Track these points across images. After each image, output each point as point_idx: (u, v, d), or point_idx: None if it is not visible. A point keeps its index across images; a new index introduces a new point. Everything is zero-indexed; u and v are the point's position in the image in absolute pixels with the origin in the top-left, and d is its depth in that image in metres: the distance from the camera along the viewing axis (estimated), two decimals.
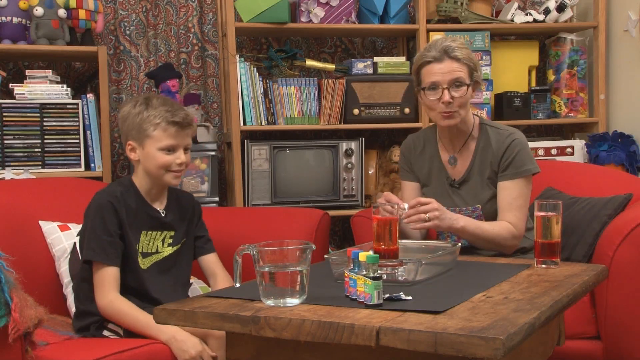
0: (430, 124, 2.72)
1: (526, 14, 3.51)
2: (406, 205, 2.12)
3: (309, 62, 3.43)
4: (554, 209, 1.95)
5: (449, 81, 2.24)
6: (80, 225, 2.46)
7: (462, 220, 2.19)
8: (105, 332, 2.11)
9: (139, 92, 3.47)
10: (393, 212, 1.85)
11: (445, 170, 2.41)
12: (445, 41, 2.29)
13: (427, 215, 2.11)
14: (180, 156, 2.15)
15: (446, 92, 2.24)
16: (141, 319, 2.01)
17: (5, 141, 2.96)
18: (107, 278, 2.06)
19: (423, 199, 2.15)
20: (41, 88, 3.01)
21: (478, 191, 2.35)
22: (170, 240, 2.22)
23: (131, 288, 2.11)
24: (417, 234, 2.35)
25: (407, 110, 3.34)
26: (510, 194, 2.28)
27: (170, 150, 2.13)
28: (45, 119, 3.00)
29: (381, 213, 1.82)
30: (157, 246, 2.19)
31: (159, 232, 2.19)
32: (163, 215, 2.21)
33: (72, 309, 2.33)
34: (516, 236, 2.26)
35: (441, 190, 2.39)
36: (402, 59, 3.45)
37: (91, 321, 2.12)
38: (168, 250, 2.21)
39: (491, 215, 2.33)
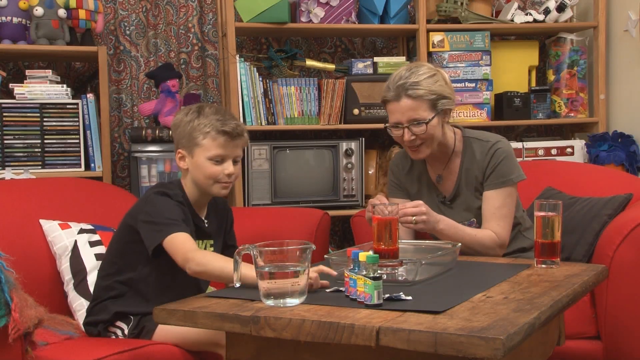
0: None
1: (526, 14, 3.51)
2: None
3: (309, 62, 3.43)
4: (554, 209, 1.95)
5: (407, 120, 2.21)
6: (81, 225, 2.47)
7: (442, 223, 2.17)
8: (112, 329, 2.11)
9: (139, 92, 3.47)
10: (386, 212, 1.83)
11: (435, 188, 2.39)
12: (403, 76, 2.21)
13: (414, 218, 2.11)
14: (229, 167, 2.10)
15: (406, 130, 2.22)
16: (228, 267, 1.84)
17: (5, 141, 2.96)
18: (180, 242, 1.93)
19: (408, 203, 2.15)
20: (41, 88, 3.01)
21: (470, 204, 2.33)
22: (212, 249, 2.22)
23: (189, 289, 2.07)
24: (403, 235, 2.34)
25: None
26: (494, 203, 2.26)
27: (219, 160, 2.09)
28: (45, 119, 3.00)
29: (376, 214, 1.82)
30: None
31: (201, 241, 2.18)
32: (206, 225, 2.20)
33: (74, 305, 2.33)
34: (499, 245, 2.24)
35: (433, 207, 2.35)
36: (402, 59, 3.45)
37: (101, 319, 2.12)
38: None
39: None
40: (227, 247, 2.29)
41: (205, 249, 2.19)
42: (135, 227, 2.06)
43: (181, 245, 1.93)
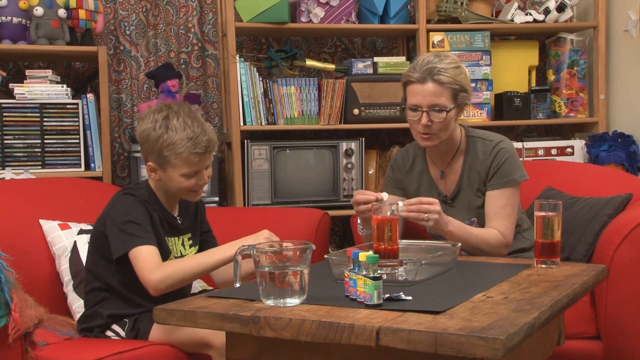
0: None
1: (526, 14, 3.51)
2: (385, 195, 2.12)
3: (309, 62, 3.43)
4: (554, 209, 1.94)
5: (428, 105, 2.20)
6: (81, 225, 2.47)
7: (451, 225, 2.16)
8: (108, 333, 2.11)
9: (139, 92, 3.47)
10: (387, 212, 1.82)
11: (435, 186, 2.38)
12: (431, 61, 2.21)
13: (426, 215, 2.09)
14: (203, 178, 2.09)
15: (425, 115, 2.20)
16: (195, 262, 1.96)
17: (5, 141, 2.96)
18: (145, 256, 1.95)
19: (426, 199, 2.12)
20: (41, 88, 3.01)
21: (471, 203, 2.33)
22: (190, 242, 2.23)
23: (168, 295, 2.04)
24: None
25: None
26: (497, 203, 2.26)
27: (192, 175, 2.07)
28: (45, 119, 3.00)
29: (376, 214, 1.81)
30: (180, 251, 2.19)
31: (177, 238, 2.19)
32: (179, 222, 2.21)
33: (73, 306, 2.33)
34: (504, 244, 2.23)
35: None
36: (402, 59, 3.45)
37: (97, 324, 2.12)
38: (192, 252, 2.23)
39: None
40: (203, 233, 2.31)
41: (182, 244, 2.20)
42: (104, 232, 2.07)
43: (142, 263, 1.95)
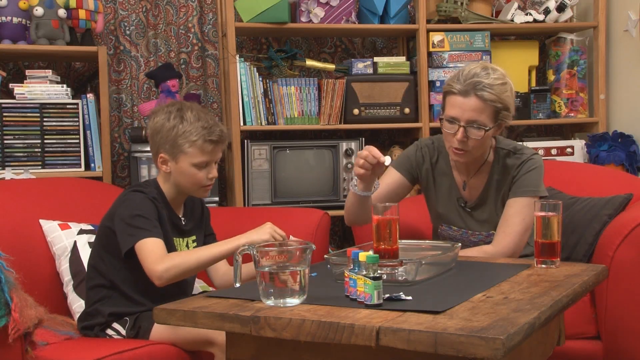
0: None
1: (526, 14, 3.51)
2: (388, 159, 2.07)
3: (309, 62, 3.43)
4: (554, 209, 1.94)
5: (467, 120, 2.11)
6: (81, 225, 2.47)
7: None
8: (109, 331, 2.12)
9: (139, 92, 3.47)
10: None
11: (457, 189, 2.33)
12: (478, 74, 2.11)
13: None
14: (213, 171, 2.14)
15: (462, 130, 2.11)
16: (199, 253, 1.98)
17: (5, 141, 2.96)
18: (152, 248, 1.97)
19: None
20: (41, 88, 3.01)
21: (492, 216, 2.29)
22: (195, 244, 2.24)
23: (170, 294, 2.04)
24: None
25: (407, 110, 3.34)
26: (508, 210, 2.21)
27: (204, 166, 2.11)
28: (45, 119, 3.00)
29: (376, 214, 1.81)
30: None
31: (182, 239, 2.20)
32: (184, 223, 2.22)
33: (73, 307, 2.33)
34: (493, 254, 2.17)
35: (452, 209, 2.33)
36: (402, 59, 3.45)
37: (97, 322, 2.13)
38: None
39: None
40: (206, 236, 2.32)
41: (187, 245, 2.21)
42: (112, 228, 2.09)
43: (148, 254, 1.96)
